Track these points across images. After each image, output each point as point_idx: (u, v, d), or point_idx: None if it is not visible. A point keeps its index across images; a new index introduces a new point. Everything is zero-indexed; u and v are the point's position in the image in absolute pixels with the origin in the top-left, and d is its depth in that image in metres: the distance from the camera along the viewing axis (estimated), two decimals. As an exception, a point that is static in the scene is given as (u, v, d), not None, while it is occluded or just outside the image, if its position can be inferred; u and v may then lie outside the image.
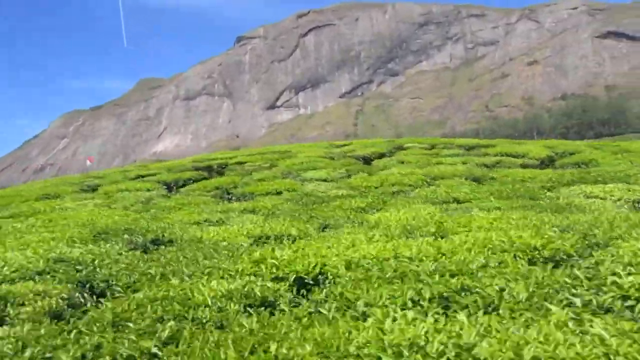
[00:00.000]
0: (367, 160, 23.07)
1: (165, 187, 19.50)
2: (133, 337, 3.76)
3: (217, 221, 11.08)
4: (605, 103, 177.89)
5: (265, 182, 17.46)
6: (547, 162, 21.25)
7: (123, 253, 7.48)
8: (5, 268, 6.14)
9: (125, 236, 8.74)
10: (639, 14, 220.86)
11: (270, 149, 30.74)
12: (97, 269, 6.33)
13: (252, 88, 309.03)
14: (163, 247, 8.25)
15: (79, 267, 6.33)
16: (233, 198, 16.59)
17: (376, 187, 15.65)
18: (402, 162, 21.10)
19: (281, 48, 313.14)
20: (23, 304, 5.02)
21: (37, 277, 5.92)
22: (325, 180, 17.74)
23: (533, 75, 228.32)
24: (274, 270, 5.58)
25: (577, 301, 3.83)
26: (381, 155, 23.77)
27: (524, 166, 19.68)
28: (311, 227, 9.44)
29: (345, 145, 28.48)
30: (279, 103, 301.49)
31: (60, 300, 5.17)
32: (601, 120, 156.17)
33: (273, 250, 6.23)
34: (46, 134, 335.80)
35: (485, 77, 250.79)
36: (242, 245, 7.85)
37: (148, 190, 18.21)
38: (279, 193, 15.49)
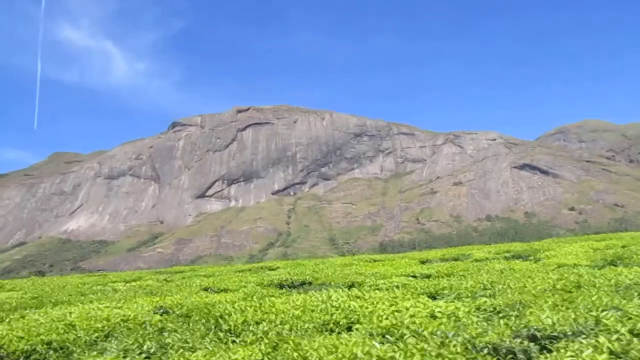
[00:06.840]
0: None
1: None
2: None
3: None
4: (526, 228, 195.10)
5: None
6: None
7: None
8: None
9: None
10: (547, 151, 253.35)
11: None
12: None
13: (182, 175, 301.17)
14: None
15: None
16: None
17: None
18: None
19: (217, 139, 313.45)
20: None
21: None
22: None
23: (459, 195, 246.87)
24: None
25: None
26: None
27: None
28: None
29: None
30: (209, 193, 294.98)
31: None
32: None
33: None
34: None
35: (414, 191, 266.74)
36: None
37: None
38: None
